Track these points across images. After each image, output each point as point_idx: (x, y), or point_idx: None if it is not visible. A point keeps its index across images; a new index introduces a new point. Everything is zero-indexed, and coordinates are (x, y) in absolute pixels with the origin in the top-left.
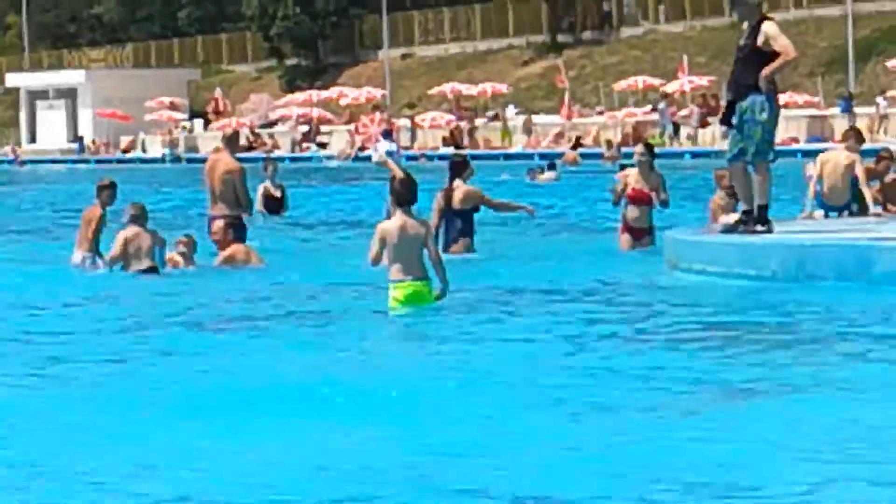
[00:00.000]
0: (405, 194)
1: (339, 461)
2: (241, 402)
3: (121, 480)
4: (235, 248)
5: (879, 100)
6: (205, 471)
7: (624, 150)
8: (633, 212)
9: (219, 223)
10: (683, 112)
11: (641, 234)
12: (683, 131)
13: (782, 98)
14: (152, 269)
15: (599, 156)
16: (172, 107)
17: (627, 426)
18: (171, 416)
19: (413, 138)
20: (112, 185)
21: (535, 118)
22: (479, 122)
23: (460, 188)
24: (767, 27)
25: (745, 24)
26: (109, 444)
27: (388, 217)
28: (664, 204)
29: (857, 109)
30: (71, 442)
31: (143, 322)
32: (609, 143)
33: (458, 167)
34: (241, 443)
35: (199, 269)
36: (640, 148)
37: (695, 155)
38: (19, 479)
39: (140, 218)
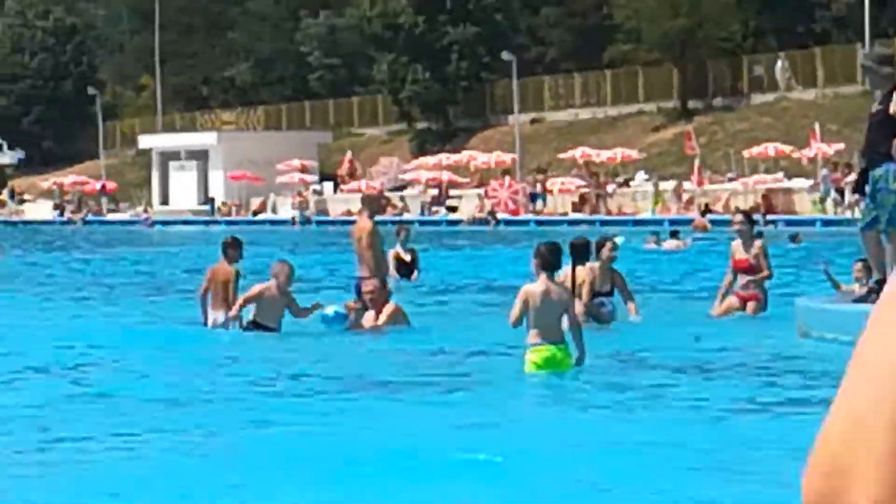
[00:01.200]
0: (550, 259)
1: None
2: (377, 463)
3: None
4: (396, 306)
5: None
6: None
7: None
8: (740, 280)
9: (375, 282)
10: (850, 178)
11: (748, 299)
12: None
13: None
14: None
15: (728, 223)
16: (303, 169)
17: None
18: (308, 475)
19: (543, 202)
20: (239, 243)
21: (664, 184)
22: (609, 188)
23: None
24: None
25: (878, 92)
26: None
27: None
28: (759, 271)
29: None
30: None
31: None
32: (737, 211)
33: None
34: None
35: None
36: (738, 217)
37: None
38: None
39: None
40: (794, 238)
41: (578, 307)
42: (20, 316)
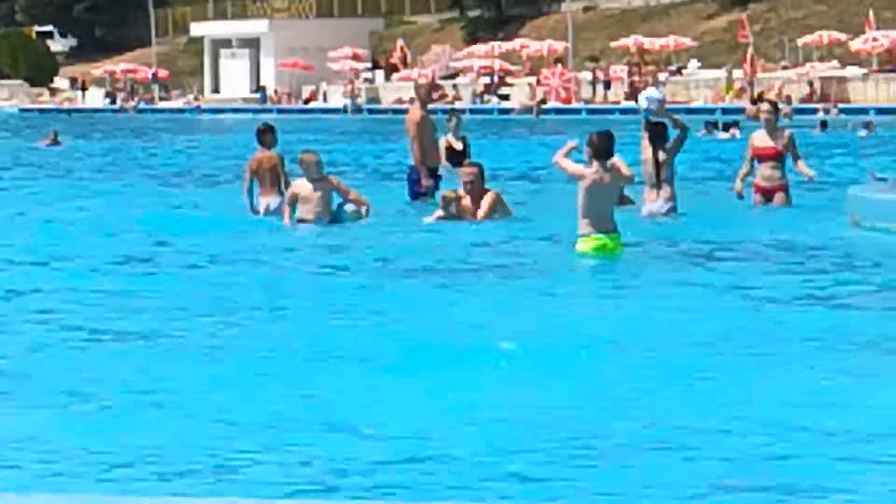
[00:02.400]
0: (602, 146)
1: (505, 411)
2: (422, 352)
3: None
4: (496, 194)
5: None
6: (384, 420)
7: (807, 105)
8: (762, 170)
9: (473, 169)
10: None
11: (771, 192)
12: None
13: None
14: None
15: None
16: (355, 57)
17: (807, 384)
18: (352, 363)
19: (594, 91)
20: (273, 128)
21: (718, 72)
22: (661, 76)
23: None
24: None
25: None
26: (290, 390)
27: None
28: (795, 159)
29: None
30: (255, 389)
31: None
32: (788, 99)
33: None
34: (412, 391)
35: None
36: (765, 106)
37: None
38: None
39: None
40: (867, 125)
41: None
42: (84, 204)
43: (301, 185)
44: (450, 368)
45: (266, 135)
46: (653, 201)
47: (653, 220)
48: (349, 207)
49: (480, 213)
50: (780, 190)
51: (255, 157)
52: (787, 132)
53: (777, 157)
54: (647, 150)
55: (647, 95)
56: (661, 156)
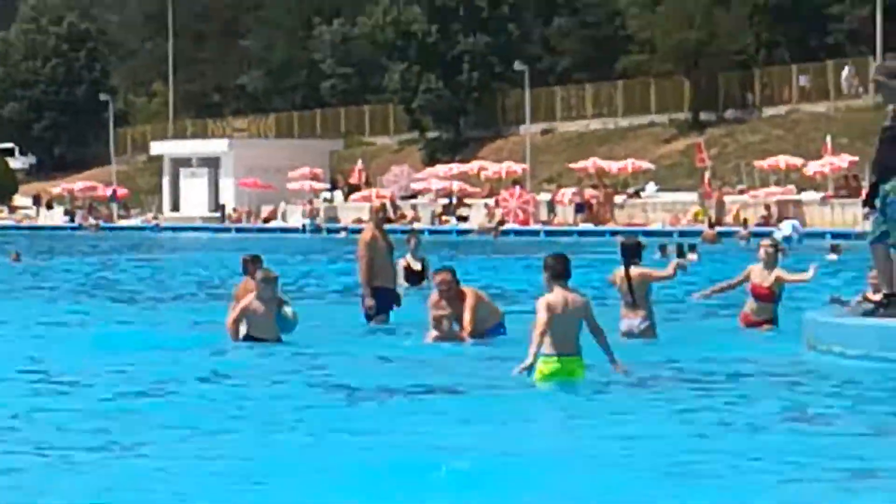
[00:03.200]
0: (559, 268)
1: None
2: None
3: None
4: (474, 292)
5: None
6: None
7: (764, 229)
8: (752, 304)
9: (445, 275)
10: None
11: (759, 325)
12: None
13: None
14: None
15: (734, 234)
16: (314, 177)
17: None
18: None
19: (553, 213)
20: (259, 258)
21: (675, 195)
22: (618, 198)
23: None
24: None
25: (891, 107)
26: None
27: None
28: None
29: None
30: None
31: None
32: (745, 223)
33: (632, 251)
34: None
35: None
36: (767, 241)
37: None
38: None
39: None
40: (834, 249)
41: None
42: (35, 320)
43: (255, 303)
44: (399, 487)
45: (250, 265)
46: (630, 319)
47: (630, 337)
48: (287, 310)
49: (465, 332)
50: (767, 323)
51: (241, 286)
52: (775, 274)
53: (769, 298)
54: (618, 270)
55: (793, 224)
56: (633, 272)
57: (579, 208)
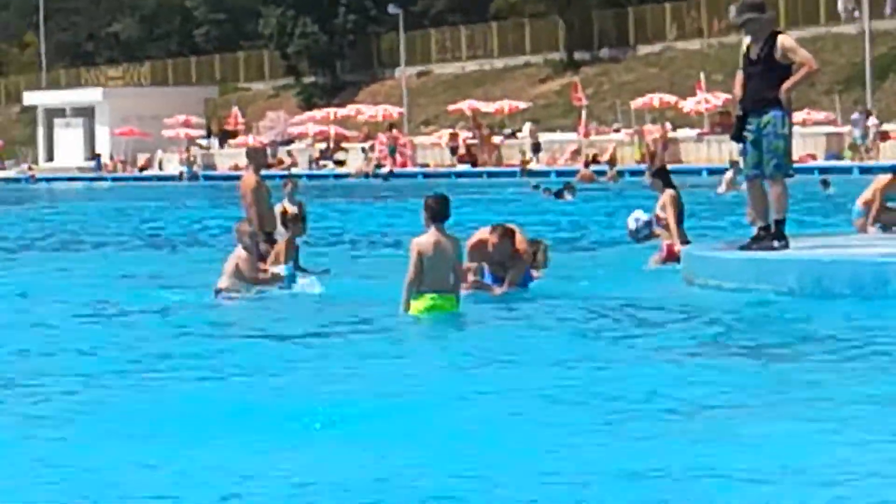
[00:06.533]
0: (439, 210)
1: (320, 475)
2: (256, 415)
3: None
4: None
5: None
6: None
7: (641, 167)
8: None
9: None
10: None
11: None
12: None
13: (800, 115)
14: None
15: (603, 174)
16: (189, 124)
17: (626, 439)
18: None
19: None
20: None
21: (552, 136)
22: (496, 139)
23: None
24: (784, 40)
25: (749, 39)
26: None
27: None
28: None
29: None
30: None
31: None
32: (610, 162)
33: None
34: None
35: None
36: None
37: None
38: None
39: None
40: (824, 183)
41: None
42: None
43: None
44: (272, 431)
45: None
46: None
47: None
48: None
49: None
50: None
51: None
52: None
53: (658, 221)
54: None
55: (636, 217)
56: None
57: (455, 150)
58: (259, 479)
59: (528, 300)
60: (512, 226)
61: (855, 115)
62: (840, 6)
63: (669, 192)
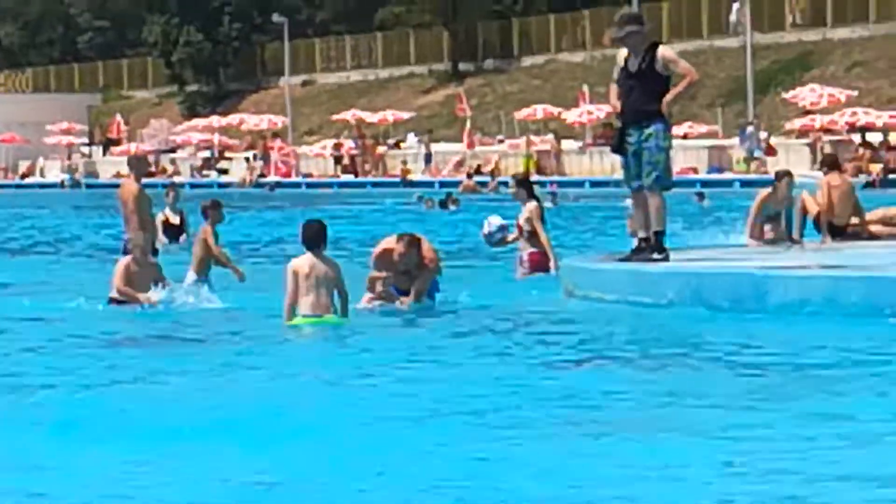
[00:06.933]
0: (308, 236)
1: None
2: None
3: None
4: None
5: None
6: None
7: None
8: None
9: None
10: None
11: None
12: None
13: (682, 128)
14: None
15: (485, 184)
16: (71, 131)
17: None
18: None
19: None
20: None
21: (436, 146)
22: (381, 149)
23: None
24: (665, 51)
25: (626, 50)
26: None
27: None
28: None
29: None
30: None
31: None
32: (492, 173)
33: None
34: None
35: None
36: (511, 181)
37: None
38: None
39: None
40: (700, 196)
41: None
42: None
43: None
44: (151, 438)
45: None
46: None
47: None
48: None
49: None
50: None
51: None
52: (528, 206)
53: (519, 232)
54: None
55: (490, 221)
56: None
57: (339, 160)
58: (135, 486)
59: (415, 312)
60: (418, 234)
61: (749, 129)
62: (733, 17)
63: (534, 203)
